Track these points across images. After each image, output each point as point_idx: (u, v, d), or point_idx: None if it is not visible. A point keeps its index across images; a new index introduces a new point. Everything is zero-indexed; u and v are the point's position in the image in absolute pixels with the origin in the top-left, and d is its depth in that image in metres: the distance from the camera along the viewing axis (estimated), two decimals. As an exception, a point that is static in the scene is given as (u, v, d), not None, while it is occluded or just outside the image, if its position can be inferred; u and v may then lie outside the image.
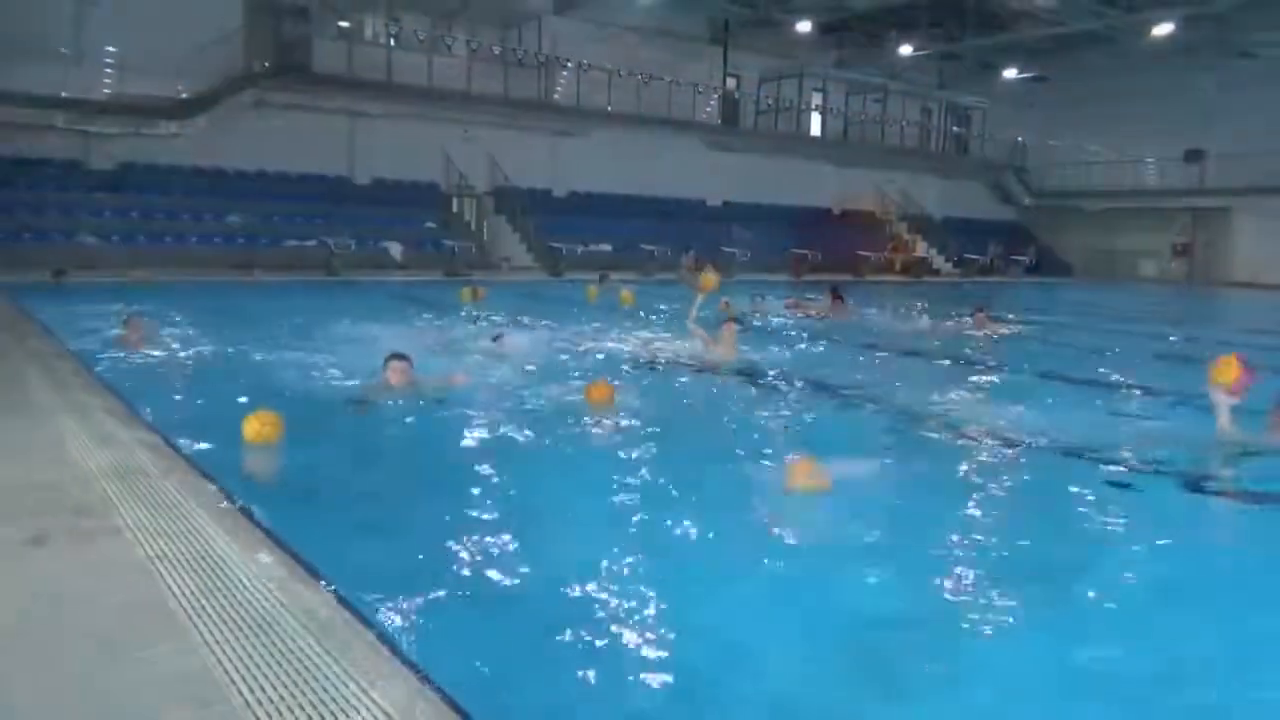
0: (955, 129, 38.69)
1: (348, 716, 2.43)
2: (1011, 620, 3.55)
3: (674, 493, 5.06)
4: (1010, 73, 36.28)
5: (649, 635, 3.32)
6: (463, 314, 14.55)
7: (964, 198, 38.42)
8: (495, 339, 9.93)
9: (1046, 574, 4.08)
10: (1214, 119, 34.11)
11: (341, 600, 3.23)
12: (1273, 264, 33.52)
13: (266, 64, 22.42)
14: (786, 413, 7.66)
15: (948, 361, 11.08)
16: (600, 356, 10.30)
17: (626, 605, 3.55)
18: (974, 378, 10.01)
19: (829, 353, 12.10)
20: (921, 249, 35.36)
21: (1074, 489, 5.38)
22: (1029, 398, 8.33)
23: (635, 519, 4.64)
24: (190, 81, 21.53)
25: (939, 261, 34.89)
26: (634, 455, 5.90)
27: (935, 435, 6.80)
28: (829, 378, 9.53)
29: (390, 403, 6.88)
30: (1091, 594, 3.85)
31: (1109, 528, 4.78)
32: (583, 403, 7.20)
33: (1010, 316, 17.01)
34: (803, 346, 12.36)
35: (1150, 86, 34.88)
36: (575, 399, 7.36)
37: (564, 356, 10.01)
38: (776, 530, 4.56)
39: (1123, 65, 35.00)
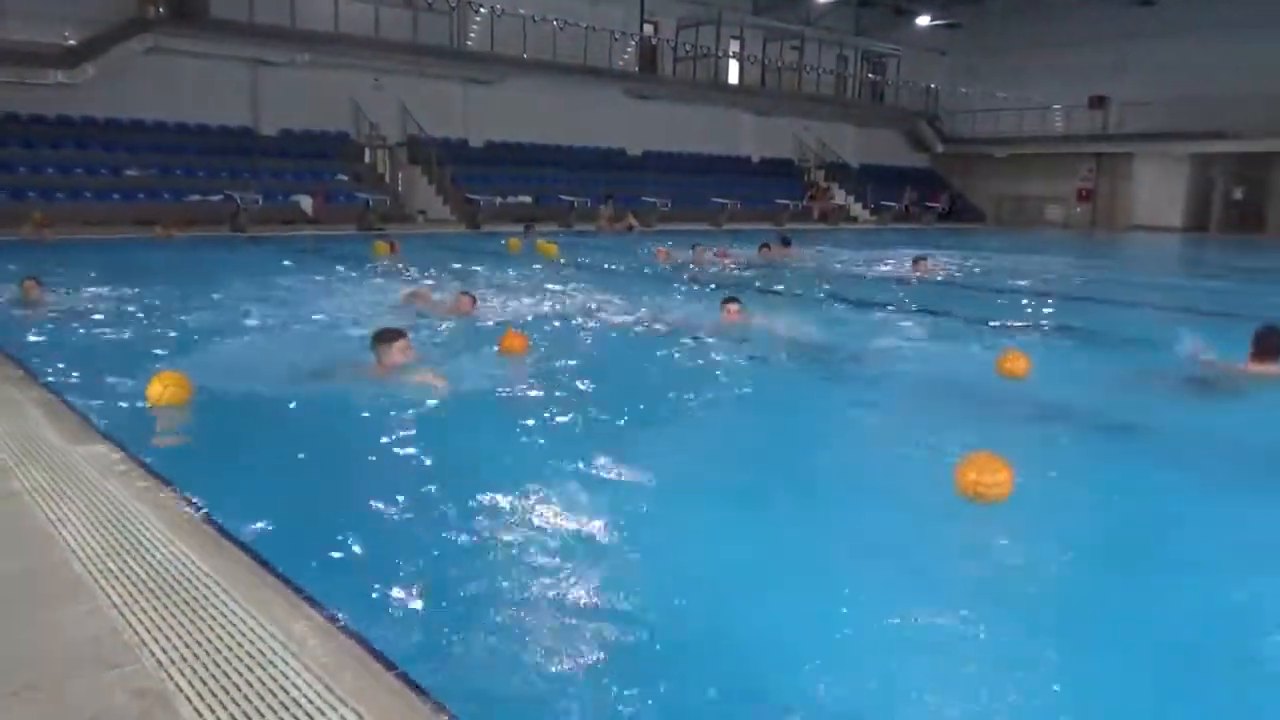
0: (871, 76, 39.05)
1: (265, 670, 2.40)
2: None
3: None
4: (924, 20, 36.68)
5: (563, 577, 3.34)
6: (374, 267, 14.24)
7: (880, 145, 38.90)
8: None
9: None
10: (1117, 67, 35.10)
11: (258, 557, 3.17)
12: (1171, 208, 34.91)
13: (161, 9, 21.29)
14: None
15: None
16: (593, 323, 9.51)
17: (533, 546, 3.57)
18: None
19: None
20: (840, 197, 35.79)
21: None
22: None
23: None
24: (78, 27, 20.35)
25: (856, 209, 35.38)
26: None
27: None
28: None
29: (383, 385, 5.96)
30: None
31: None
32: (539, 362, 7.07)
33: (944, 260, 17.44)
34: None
35: (1058, 34, 35.78)
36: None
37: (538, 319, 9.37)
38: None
39: (1032, 13, 35.78)
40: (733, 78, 34.31)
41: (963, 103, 39.28)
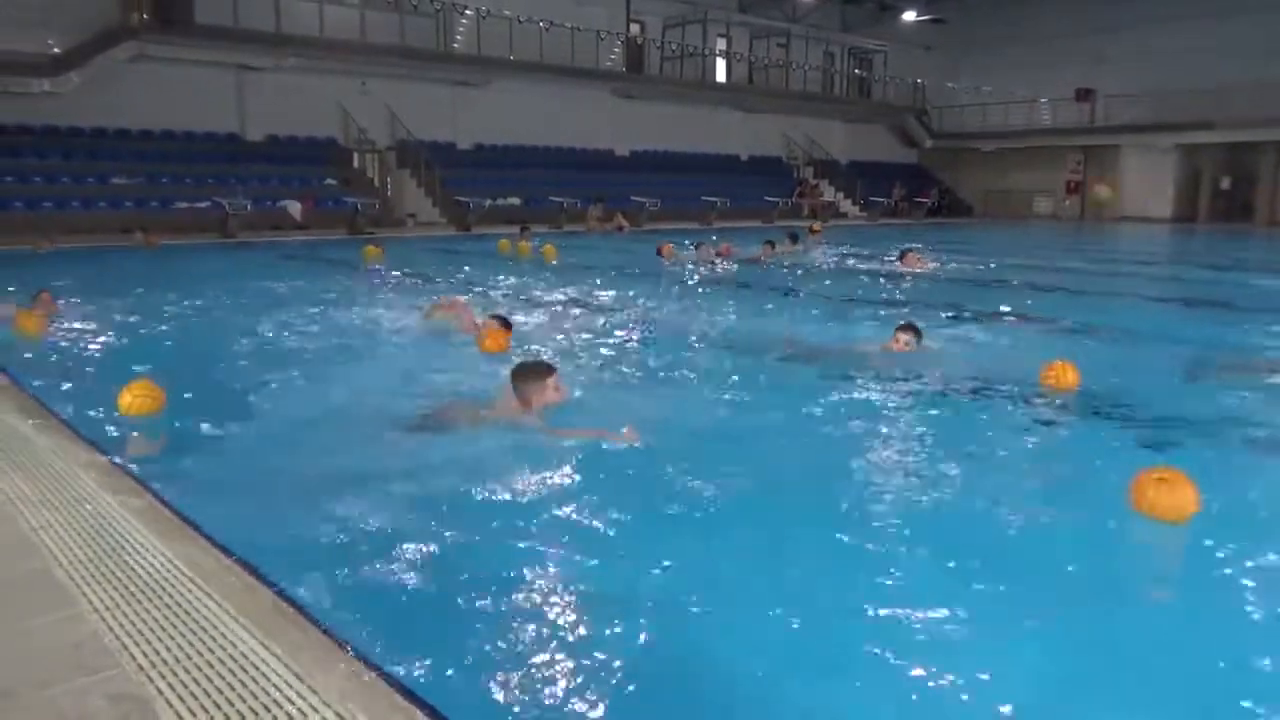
0: (857, 73, 39.11)
1: (246, 673, 2.37)
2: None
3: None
4: (909, 15, 36.73)
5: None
6: (369, 271, 14.19)
7: (868, 141, 38.96)
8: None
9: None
10: (1103, 59, 35.23)
11: (239, 560, 3.14)
12: (1160, 199, 35.02)
13: (144, 15, 21.20)
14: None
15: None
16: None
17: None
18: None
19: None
20: (829, 193, 35.82)
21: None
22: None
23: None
24: (61, 35, 20.27)
25: (846, 205, 35.42)
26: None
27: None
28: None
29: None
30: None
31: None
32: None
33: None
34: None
35: (1042, 28, 35.94)
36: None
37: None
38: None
39: (1016, 7, 35.93)
40: (720, 76, 34.32)
41: (949, 98, 39.36)
